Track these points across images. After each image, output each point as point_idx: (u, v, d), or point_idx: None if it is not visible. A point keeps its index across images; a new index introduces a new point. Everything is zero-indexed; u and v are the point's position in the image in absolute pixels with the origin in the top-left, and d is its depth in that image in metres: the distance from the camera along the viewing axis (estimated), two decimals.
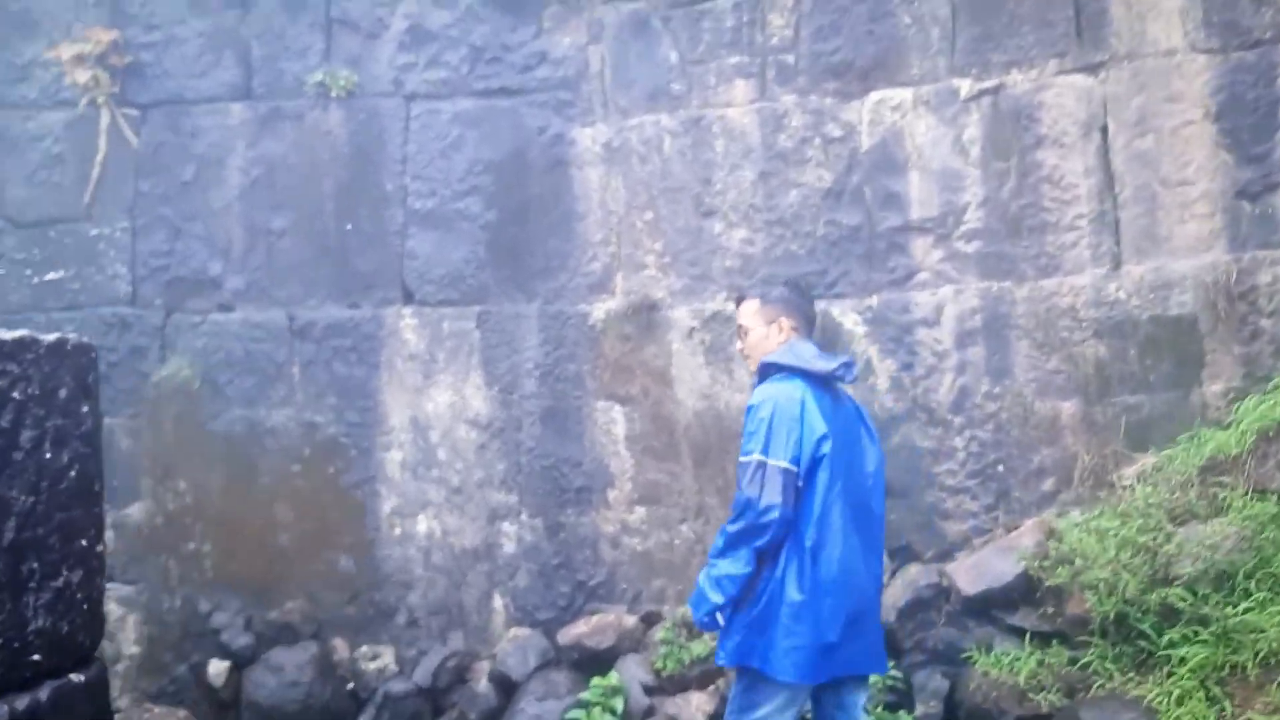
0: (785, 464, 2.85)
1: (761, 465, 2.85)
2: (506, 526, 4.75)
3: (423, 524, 4.81)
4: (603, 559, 4.68)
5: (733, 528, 2.88)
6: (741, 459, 2.92)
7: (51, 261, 5.22)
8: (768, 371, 3.05)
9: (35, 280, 5.24)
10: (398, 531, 4.83)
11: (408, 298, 4.86)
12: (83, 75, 5.05)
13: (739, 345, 3.29)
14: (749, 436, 2.92)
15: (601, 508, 4.67)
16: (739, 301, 3.26)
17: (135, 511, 5.09)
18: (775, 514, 2.82)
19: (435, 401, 4.80)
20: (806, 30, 4.53)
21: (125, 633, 5.08)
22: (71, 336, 2.11)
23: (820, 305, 4.39)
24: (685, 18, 4.67)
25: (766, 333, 3.14)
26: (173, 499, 5.05)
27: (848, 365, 3.05)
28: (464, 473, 4.77)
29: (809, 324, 3.22)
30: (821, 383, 3.02)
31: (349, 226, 4.91)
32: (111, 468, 5.08)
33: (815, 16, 4.53)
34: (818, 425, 2.90)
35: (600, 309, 4.69)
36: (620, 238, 4.69)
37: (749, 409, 2.97)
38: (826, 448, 2.90)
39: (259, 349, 4.96)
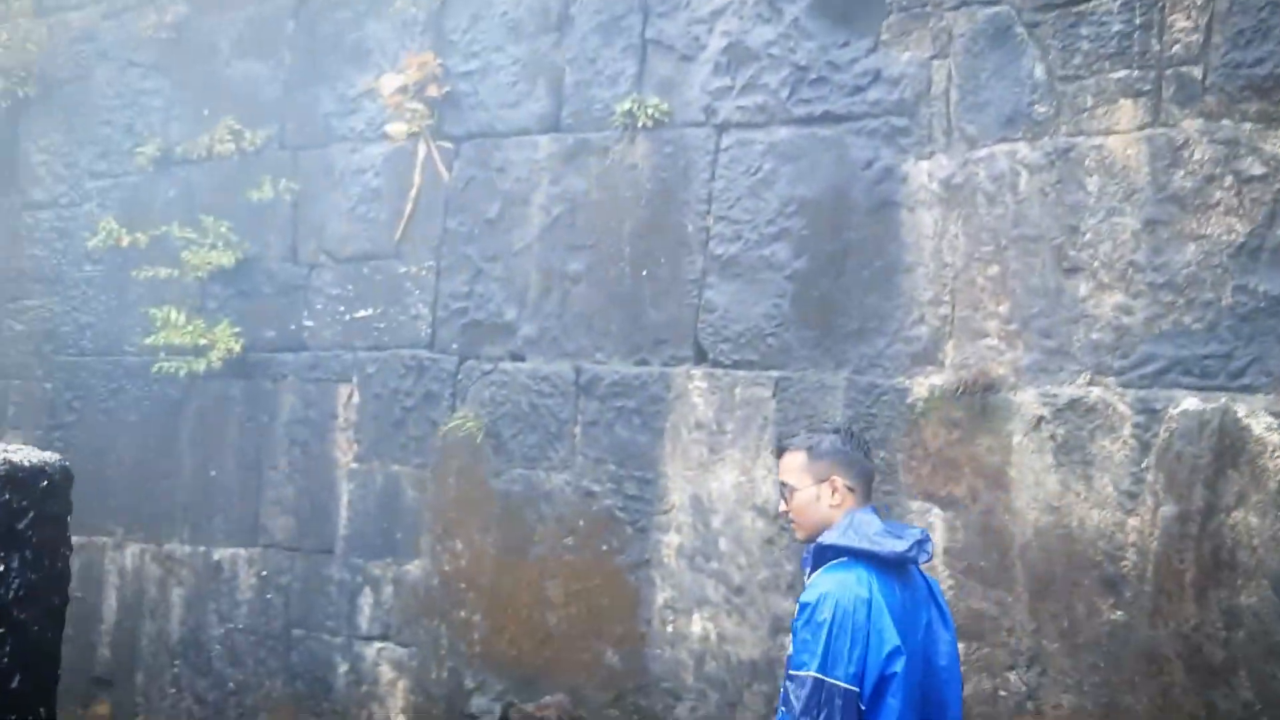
0: (846, 685, 2.42)
1: (820, 685, 2.42)
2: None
3: (697, 624, 4.09)
4: None
5: None
6: (793, 672, 2.49)
7: (363, 298, 5.09)
8: (824, 555, 2.60)
9: (347, 317, 5.13)
10: (670, 629, 4.14)
11: (700, 356, 4.18)
12: (402, 107, 4.88)
13: (782, 508, 2.77)
14: (801, 646, 2.49)
15: None
16: (780, 453, 2.80)
17: (414, 569, 4.79)
18: None
19: (720, 480, 4.07)
20: (1221, 34, 3.34)
21: (395, 699, 4.78)
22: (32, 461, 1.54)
23: (1218, 400, 3.19)
24: (1058, 22, 3.64)
25: (817, 493, 2.67)
26: (449, 560, 4.70)
27: (921, 544, 2.58)
28: (747, 570, 4.00)
29: (867, 483, 2.73)
30: (891, 565, 2.57)
31: (644, 272, 4.33)
32: (396, 518, 4.82)
33: (1235, 16, 3.33)
34: (889, 635, 2.46)
35: (923, 385, 3.75)
36: (955, 297, 3.73)
37: (803, 606, 2.53)
38: (899, 665, 2.44)
39: (544, 404, 4.49)
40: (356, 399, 5.06)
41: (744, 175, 4.16)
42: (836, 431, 2.78)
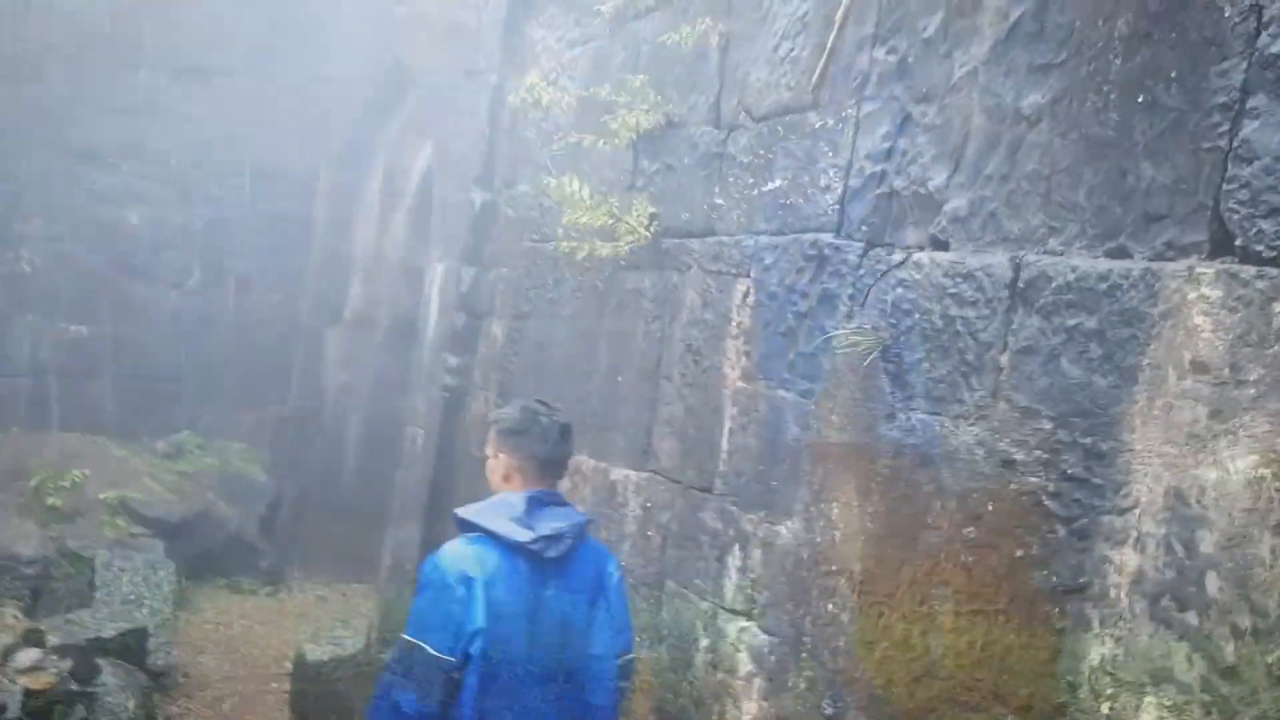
0: (433, 651, 2.64)
1: (408, 647, 2.67)
2: None
3: (1150, 715, 2.30)
4: None
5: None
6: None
7: (771, 167, 3.82)
8: (462, 525, 2.82)
9: (754, 192, 3.90)
10: (1104, 712, 2.39)
11: (1218, 244, 2.31)
12: None
13: None
14: (411, 605, 2.73)
15: None
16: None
17: (785, 531, 3.50)
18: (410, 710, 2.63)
19: (1224, 468, 2.21)
20: None
21: (749, 701, 3.55)
22: None
23: None
24: None
25: (493, 466, 2.96)
26: (822, 527, 3.32)
27: (552, 539, 2.76)
28: (1251, 639, 2.12)
29: (542, 464, 2.92)
30: (523, 550, 2.75)
31: (1139, 99, 2.52)
32: (775, 460, 3.56)
33: None
34: (476, 616, 2.66)
35: None
36: None
37: (419, 567, 2.79)
38: (478, 646, 2.66)
39: (962, 316, 2.90)
40: (751, 298, 3.82)
41: None
42: (525, 409, 2.96)
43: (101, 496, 7.58)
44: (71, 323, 8.89)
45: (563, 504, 2.96)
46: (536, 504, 2.82)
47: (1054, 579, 2.53)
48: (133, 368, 8.95)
